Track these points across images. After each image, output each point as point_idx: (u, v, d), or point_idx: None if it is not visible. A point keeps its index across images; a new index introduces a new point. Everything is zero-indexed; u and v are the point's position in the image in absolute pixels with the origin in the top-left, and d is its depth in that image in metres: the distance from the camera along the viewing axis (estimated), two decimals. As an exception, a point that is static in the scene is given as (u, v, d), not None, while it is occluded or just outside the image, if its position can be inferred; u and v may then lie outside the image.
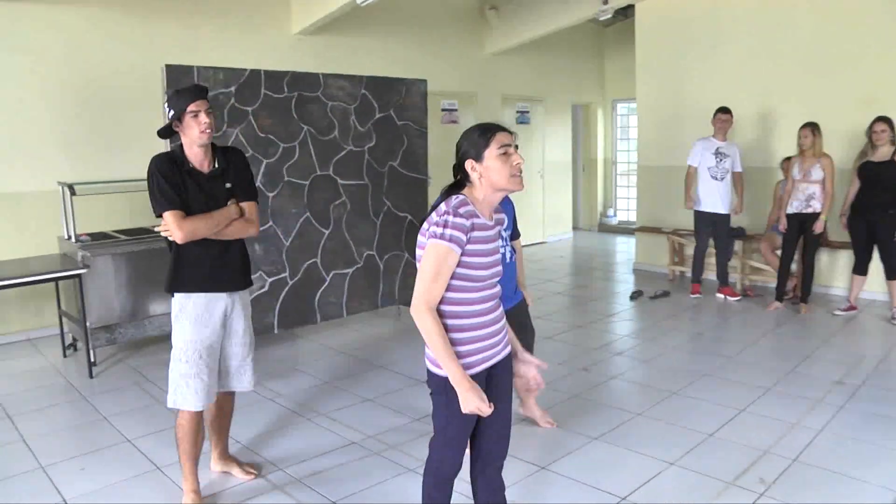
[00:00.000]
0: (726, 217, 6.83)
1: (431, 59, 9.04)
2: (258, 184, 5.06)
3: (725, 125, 6.72)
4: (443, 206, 2.18)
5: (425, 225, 2.17)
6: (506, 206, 3.14)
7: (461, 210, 2.16)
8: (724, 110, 6.73)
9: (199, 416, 3.06)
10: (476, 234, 2.17)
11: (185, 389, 2.98)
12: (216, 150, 3.07)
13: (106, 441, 3.83)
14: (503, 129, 2.26)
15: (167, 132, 3.02)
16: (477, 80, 9.83)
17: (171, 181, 2.88)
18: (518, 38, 9.60)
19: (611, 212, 12.19)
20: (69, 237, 5.16)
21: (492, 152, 2.20)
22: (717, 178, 6.74)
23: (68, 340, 5.51)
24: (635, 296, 7.02)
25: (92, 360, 4.94)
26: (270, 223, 5.19)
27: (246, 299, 3.22)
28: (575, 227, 11.91)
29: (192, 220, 2.90)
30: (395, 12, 8.55)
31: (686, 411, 4.02)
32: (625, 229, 11.47)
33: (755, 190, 7.37)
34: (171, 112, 2.91)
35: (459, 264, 2.14)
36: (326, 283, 5.60)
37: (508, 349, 2.40)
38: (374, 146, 5.84)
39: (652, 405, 4.13)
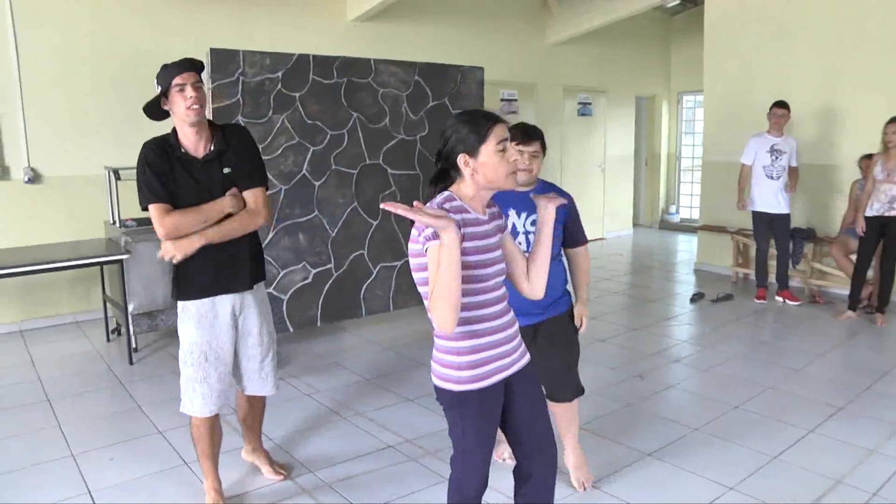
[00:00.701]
0: (785, 217, 6.42)
1: (490, 47, 8.80)
2: (304, 172, 4.93)
3: (782, 121, 6.31)
4: (432, 204, 1.99)
5: (414, 232, 1.95)
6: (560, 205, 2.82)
7: (446, 206, 1.97)
8: (780, 104, 6.31)
9: (212, 419, 2.87)
10: (469, 230, 1.97)
11: (192, 394, 2.79)
12: (215, 130, 2.77)
13: (138, 431, 3.76)
14: (501, 121, 2.04)
15: (155, 111, 2.72)
16: (537, 70, 9.54)
17: (157, 170, 2.62)
18: (581, 26, 9.28)
19: (673, 209, 11.73)
20: (114, 222, 5.13)
21: (489, 147, 1.99)
22: (772, 177, 6.35)
23: (112, 325, 5.50)
24: (696, 298, 6.66)
25: (133, 346, 4.91)
26: (316, 213, 5.05)
27: (260, 294, 2.94)
28: (635, 224, 11.51)
29: (177, 214, 2.61)
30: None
31: (747, 428, 3.70)
32: (687, 227, 11.02)
33: (818, 189, 6.95)
34: (159, 87, 2.65)
35: (463, 265, 1.93)
36: (373, 276, 5.44)
37: (527, 357, 2.20)
38: (426, 135, 5.65)
39: (710, 420, 3.83)
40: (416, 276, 1.99)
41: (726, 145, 7.51)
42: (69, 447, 3.57)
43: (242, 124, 3.01)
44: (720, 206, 7.84)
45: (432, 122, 5.65)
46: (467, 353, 2.00)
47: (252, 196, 2.79)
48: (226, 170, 2.73)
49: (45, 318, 5.85)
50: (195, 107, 2.61)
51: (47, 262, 4.79)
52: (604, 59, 10.29)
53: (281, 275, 4.90)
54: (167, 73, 2.63)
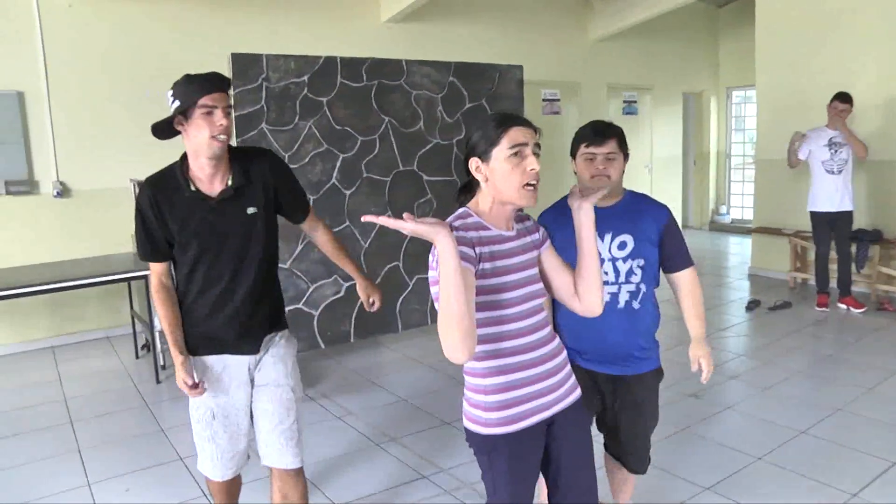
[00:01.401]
0: (847, 215, 5.96)
1: (530, 46, 8.51)
2: (333, 180, 4.71)
3: (844, 115, 5.87)
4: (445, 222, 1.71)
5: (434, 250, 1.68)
6: (653, 211, 2.35)
7: (457, 223, 1.70)
8: (842, 97, 5.86)
9: (227, 483, 2.47)
10: (487, 248, 1.70)
11: (203, 453, 2.39)
12: (234, 160, 2.24)
13: (159, 457, 3.58)
14: (522, 123, 1.73)
15: (165, 130, 2.19)
16: (580, 69, 9.20)
17: (152, 221, 2.17)
18: (624, 21, 8.91)
19: (723, 209, 11.25)
20: (140, 235, 4.99)
21: (501, 151, 1.70)
22: (832, 172, 5.91)
23: (141, 341, 5.37)
24: (752, 306, 6.25)
25: (161, 363, 4.75)
26: (347, 223, 4.82)
27: (283, 345, 2.41)
28: (684, 226, 11.05)
29: (161, 303, 2.25)
30: (490, -3, 8.08)
31: (818, 458, 3.34)
32: (739, 228, 10.53)
33: (884, 187, 6.49)
34: (176, 103, 2.11)
35: (479, 290, 1.66)
36: (409, 289, 5.18)
37: (575, 395, 1.89)
38: (463, 139, 5.38)
39: (775, 447, 3.47)
40: (432, 290, 1.73)
41: (780, 142, 7.03)
42: (86, 475, 3.42)
43: (266, 147, 2.56)
44: (775, 207, 7.40)
45: (469, 124, 5.37)
46: (495, 391, 1.73)
47: (313, 220, 2.53)
48: (250, 210, 2.24)
49: (76, 334, 5.77)
50: (222, 137, 2.12)
51: (76, 279, 4.70)
52: (648, 54, 9.89)
53: (311, 289, 4.68)
54: (192, 89, 2.10)
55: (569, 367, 1.90)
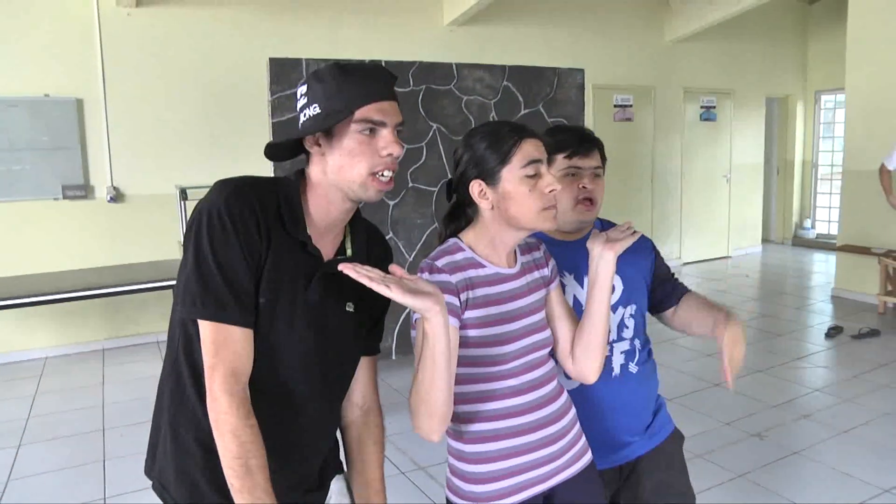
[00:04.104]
0: None
1: (601, 48, 8.15)
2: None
3: None
4: (422, 261, 1.43)
5: None
6: (639, 242, 1.74)
7: (440, 262, 1.40)
8: None
9: None
10: (479, 292, 1.41)
11: None
12: (355, 223, 1.45)
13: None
14: (534, 135, 1.43)
15: (289, 150, 1.36)
16: (655, 72, 8.75)
17: (247, 249, 1.24)
18: (704, 20, 8.38)
19: (808, 223, 10.52)
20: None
21: (513, 172, 1.40)
22: None
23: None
24: (833, 333, 5.70)
25: (199, 372, 4.67)
26: (391, 234, 4.63)
27: (340, 486, 1.59)
28: (765, 240, 10.40)
29: (247, 430, 1.22)
30: (558, -3, 7.75)
31: (900, 521, 2.92)
32: (824, 244, 9.82)
33: None
34: (317, 110, 1.29)
35: (462, 342, 1.37)
36: (455, 302, 4.95)
37: (584, 461, 1.57)
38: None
39: (849, 504, 3.06)
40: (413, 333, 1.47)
41: (872, 151, 6.46)
42: (104, 488, 3.37)
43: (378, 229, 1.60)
44: (864, 223, 6.79)
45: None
46: (479, 461, 1.46)
47: (370, 377, 1.56)
48: (349, 306, 1.40)
49: (128, 337, 5.83)
50: (387, 175, 1.32)
51: (129, 284, 4.71)
52: (729, 56, 9.33)
53: (350, 303, 4.50)
54: (347, 90, 1.28)
55: (578, 426, 1.59)
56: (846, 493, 3.16)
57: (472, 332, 1.41)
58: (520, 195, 1.40)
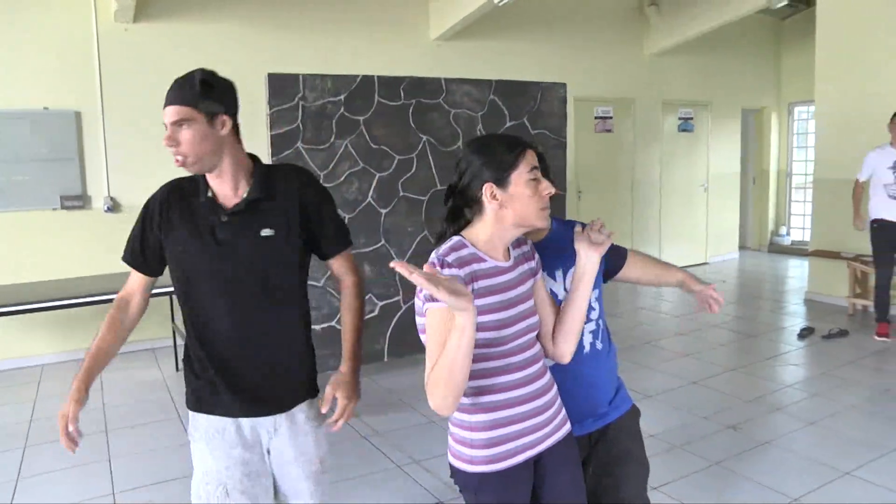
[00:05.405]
0: None
1: (583, 62, 8.41)
2: (369, 199, 4.71)
3: None
4: (432, 256, 1.63)
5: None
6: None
7: (451, 258, 1.60)
8: None
9: None
10: (482, 283, 1.62)
11: None
12: (258, 173, 1.92)
13: (184, 470, 3.57)
14: (532, 146, 1.69)
15: None
16: (634, 85, 9.03)
17: (151, 222, 1.89)
18: (682, 35, 8.71)
19: (783, 230, 10.84)
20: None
21: (520, 176, 1.65)
22: (895, 198, 5.63)
23: (182, 354, 5.47)
24: (805, 333, 5.97)
25: (197, 377, 4.83)
26: (382, 242, 4.82)
27: (310, 410, 2.00)
28: (742, 247, 10.71)
29: (104, 324, 1.97)
30: (541, 13, 8.02)
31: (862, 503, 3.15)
32: (798, 251, 10.12)
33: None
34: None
35: None
36: (444, 307, 5.14)
37: (566, 429, 1.81)
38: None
39: (816, 488, 3.27)
40: (422, 336, 1.68)
41: (841, 161, 6.76)
42: (112, 484, 3.52)
43: (303, 166, 2.15)
44: (834, 229, 7.08)
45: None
46: (482, 428, 1.67)
47: (346, 264, 2.05)
48: (265, 231, 1.85)
49: (125, 344, 5.89)
50: (177, 157, 1.83)
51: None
52: (706, 70, 9.64)
53: (344, 307, 4.68)
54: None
55: (559, 401, 1.82)
56: (813, 477, 3.40)
57: (481, 317, 1.61)
58: (525, 197, 1.65)
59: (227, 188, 1.88)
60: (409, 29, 7.25)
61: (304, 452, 1.96)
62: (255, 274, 1.85)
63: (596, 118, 8.79)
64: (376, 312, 4.85)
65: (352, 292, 2.05)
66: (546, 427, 1.74)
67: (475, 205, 1.69)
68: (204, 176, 1.89)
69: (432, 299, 1.54)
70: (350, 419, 1.97)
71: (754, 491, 3.28)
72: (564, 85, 5.67)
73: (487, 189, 1.66)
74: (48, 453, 3.92)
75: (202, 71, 1.89)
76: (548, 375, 1.79)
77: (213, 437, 1.89)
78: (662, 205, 9.45)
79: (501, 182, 1.65)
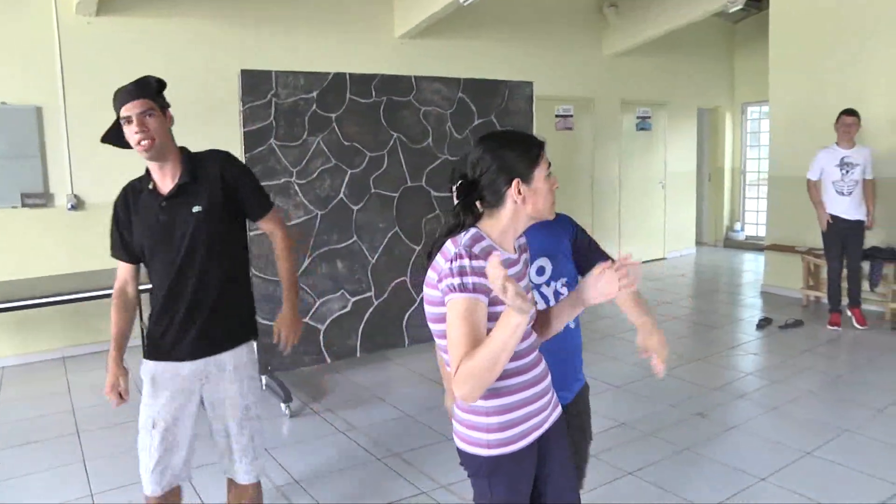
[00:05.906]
0: (858, 224, 5.95)
1: (545, 61, 8.53)
2: (341, 196, 4.74)
3: (851, 130, 5.84)
4: (451, 248, 1.67)
5: (432, 274, 1.69)
6: (559, 224, 2.15)
7: (475, 249, 1.65)
8: (848, 112, 5.85)
9: (161, 500, 2.39)
10: None
11: (140, 465, 2.39)
12: (186, 161, 2.34)
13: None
14: (545, 142, 1.80)
15: (118, 139, 2.30)
16: (594, 84, 9.20)
17: (119, 218, 2.36)
18: (640, 36, 8.91)
19: (738, 226, 11.17)
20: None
21: (542, 172, 1.74)
22: (843, 194, 5.90)
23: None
24: (763, 324, 6.19)
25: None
26: (355, 238, 4.85)
27: (241, 358, 2.43)
28: (698, 243, 10.98)
29: (114, 309, 2.42)
30: (505, 13, 8.12)
31: (824, 481, 3.30)
32: (753, 245, 10.44)
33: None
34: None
35: (489, 316, 1.63)
36: (416, 304, 5.19)
37: (559, 411, 1.92)
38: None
39: (780, 468, 3.43)
40: (432, 326, 1.73)
41: (794, 159, 7.02)
42: (90, 485, 3.47)
43: (222, 149, 2.46)
44: (789, 224, 7.35)
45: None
46: (497, 413, 1.73)
47: (272, 224, 2.53)
48: (196, 208, 2.28)
49: (88, 345, 5.81)
50: (144, 142, 2.20)
51: (89, 290, 4.79)
52: (664, 70, 9.87)
53: (318, 304, 4.70)
54: (115, 103, 2.25)
55: (552, 385, 1.91)
56: (776, 457, 3.56)
57: (496, 308, 1.64)
58: (544, 191, 1.74)
59: (166, 178, 2.31)
60: (375, 27, 7.27)
61: (231, 397, 2.38)
62: (194, 241, 2.28)
63: (557, 116, 8.93)
64: (349, 308, 4.88)
65: (281, 245, 2.54)
66: (546, 409, 1.84)
67: (494, 198, 1.73)
68: (148, 172, 2.33)
69: (460, 289, 1.57)
70: (292, 345, 2.54)
71: (723, 473, 3.41)
72: (531, 84, 5.79)
73: (515, 185, 1.71)
74: (19, 457, 3.84)
75: (150, 76, 2.33)
76: (543, 362, 1.86)
77: (155, 380, 2.34)
78: (621, 201, 9.66)
79: (526, 178, 1.72)
